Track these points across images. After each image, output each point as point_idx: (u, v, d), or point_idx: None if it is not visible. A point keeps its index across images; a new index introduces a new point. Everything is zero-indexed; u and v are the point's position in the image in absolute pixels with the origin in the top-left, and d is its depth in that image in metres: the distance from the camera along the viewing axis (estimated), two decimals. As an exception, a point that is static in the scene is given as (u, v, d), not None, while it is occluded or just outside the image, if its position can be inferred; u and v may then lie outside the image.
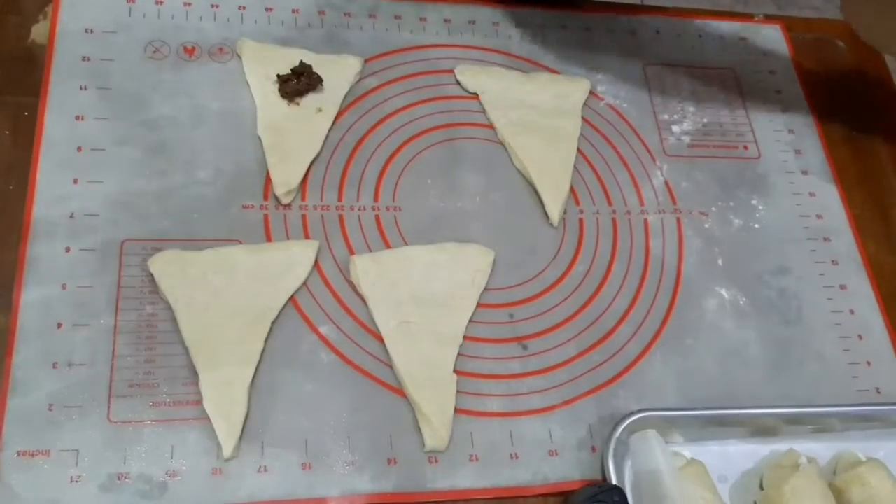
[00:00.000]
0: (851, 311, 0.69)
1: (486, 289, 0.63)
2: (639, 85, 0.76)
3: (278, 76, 0.66)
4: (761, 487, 0.59)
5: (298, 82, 0.66)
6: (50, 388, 0.53)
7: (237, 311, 0.57)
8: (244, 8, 0.71)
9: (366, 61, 0.71)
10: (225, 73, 0.67)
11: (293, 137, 0.65)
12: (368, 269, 0.61)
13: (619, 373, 0.62)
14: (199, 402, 0.54)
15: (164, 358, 0.56)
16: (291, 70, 0.67)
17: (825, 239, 0.72)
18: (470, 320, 0.61)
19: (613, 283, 0.66)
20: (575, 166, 0.70)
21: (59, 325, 0.55)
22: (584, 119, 0.73)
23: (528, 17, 0.77)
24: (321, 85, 0.67)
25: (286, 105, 0.66)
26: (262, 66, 0.67)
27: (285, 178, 0.63)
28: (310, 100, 0.67)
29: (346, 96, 0.69)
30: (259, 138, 0.65)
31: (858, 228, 0.73)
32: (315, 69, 0.67)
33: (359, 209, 0.65)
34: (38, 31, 0.65)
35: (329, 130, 0.67)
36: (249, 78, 0.67)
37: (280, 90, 0.66)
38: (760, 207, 0.72)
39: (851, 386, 0.65)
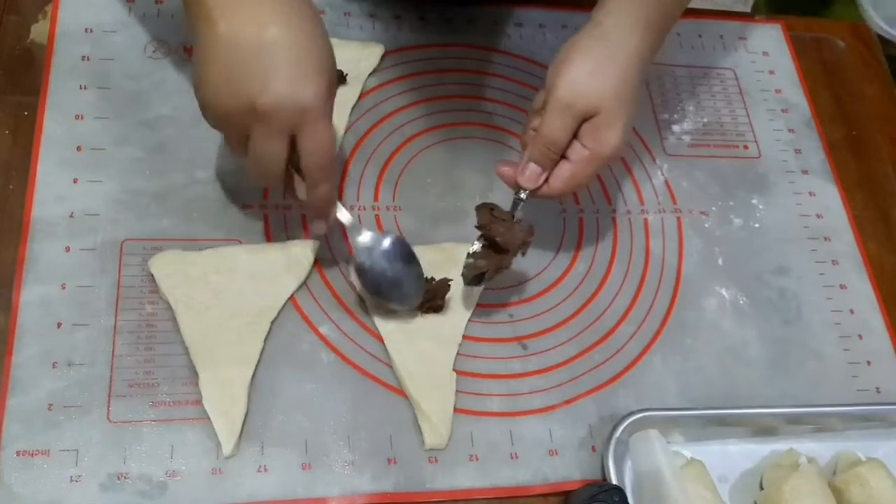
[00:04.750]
0: (851, 311, 0.69)
1: (486, 289, 0.63)
2: (639, 84, 0.76)
3: None
4: (761, 487, 0.59)
5: None
6: (50, 387, 0.53)
7: (237, 311, 0.57)
8: (244, 8, 0.71)
9: (366, 61, 0.71)
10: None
11: None
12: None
13: (619, 372, 0.62)
14: (199, 401, 0.54)
15: (164, 358, 0.56)
16: None
17: (825, 238, 0.72)
18: (470, 320, 0.61)
19: (613, 282, 0.66)
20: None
21: (59, 325, 0.55)
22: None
23: (529, 17, 0.77)
24: (344, 78, 0.68)
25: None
26: None
27: None
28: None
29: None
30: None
31: (858, 228, 0.73)
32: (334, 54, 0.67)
33: (359, 209, 0.65)
34: (37, 31, 0.66)
35: (347, 127, 0.67)
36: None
37: None
38: (761, 207, 0.72)
39: (851, 385, 0.65)
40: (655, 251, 0.68)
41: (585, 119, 0.55)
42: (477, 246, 0.59)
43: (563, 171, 0.57)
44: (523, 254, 0.59)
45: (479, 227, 0.58)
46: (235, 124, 0.51)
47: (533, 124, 0.58)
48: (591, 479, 0.57)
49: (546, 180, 0.58)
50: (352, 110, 0.68)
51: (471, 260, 0.58)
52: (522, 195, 0.59)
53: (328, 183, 0.54)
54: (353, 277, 0.59)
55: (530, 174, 0.58)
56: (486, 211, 0.58)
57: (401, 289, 0.59)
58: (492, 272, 0.58)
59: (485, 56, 0.74)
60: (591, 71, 0.55)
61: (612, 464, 0.56)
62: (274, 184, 0.54)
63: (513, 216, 0.58)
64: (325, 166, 0.53)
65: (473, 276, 0.58)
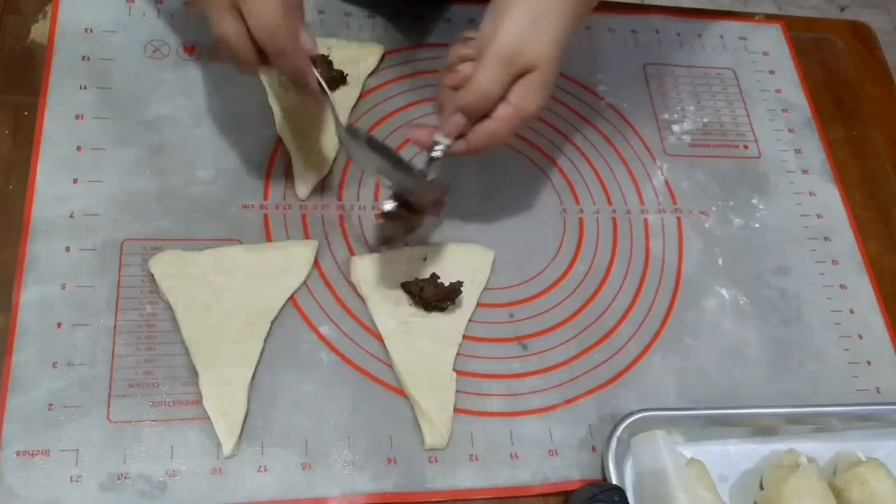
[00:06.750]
0: (851, 311, 0.69)
1: (486, 289, 0.63)
2: (639, 84, 0.76)
3: None
4: (761, 487, 0.59)
5: (319, 72, 0.65)
6: (50, 387, 0.53)
7: (237, 311, 0.57)
8: (244, 7, 0.71)
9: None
10: (225, 73, 0.67)
11: (314, 135, 0.65)
12: (368, 269, 0.61)
13: (619, 372, 0.62)
14: (199, 401, 0.54)
15: (164, 358, 0.56)
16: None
17: (825, 238, 0.72)
18: (470, 320, 0.61)
19: (613, 282, 0.66)
20: (575, 166, 0.71)
21: (59, 325, 0.55)
22: (584, 119, 0.73)
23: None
24: (345, 78, 0.68)
25: (304, 101, 0.66)
26: None
27: (309, 178, 0.64)
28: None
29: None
30: (261, 138, 0.65)
31: (859, 228, 0.73)
32: (334, 55, 0.67)
33: (359, 209, 0.64)
34: (37, 31, 0.65)
35: (347, 127, 0.67)
36: (264, 75, 0.67)
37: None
38: (761, 207, 0.72)
39: (851, 385, 0.65)
40: (655, 251, 0.68)
41: (520, 75, 0.54)
42: (389, 206, 0.57)
43: (485, 128, 0.56)
44: (437, 214, 0.57)
45: (390, 187, 0.57)
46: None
47: (450, 80, 0.56)
48: (591, 479, 0.57)
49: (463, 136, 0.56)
50: (352, 110, 0.68)
51: (381, 221, 0.56)
52: (437, 153, 0.56)
53: (289, 54, 0.52)
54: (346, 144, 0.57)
55: (455, 125, 0.56)
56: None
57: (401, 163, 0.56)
58: (402, 233, 0.57)
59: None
60: (532, 26, 0.54)
61: (612, 464, 0.56)
62: (245, 59, 0.52)
63: (425, 175, 0.56)
64: (271, 32, 0.50)
65: (383, 237, 0.57)
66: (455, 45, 0.57)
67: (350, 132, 0.57)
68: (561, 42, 0.55)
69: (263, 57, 0.52)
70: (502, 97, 0.55)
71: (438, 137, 0.56)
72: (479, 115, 0.56)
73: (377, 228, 0.57)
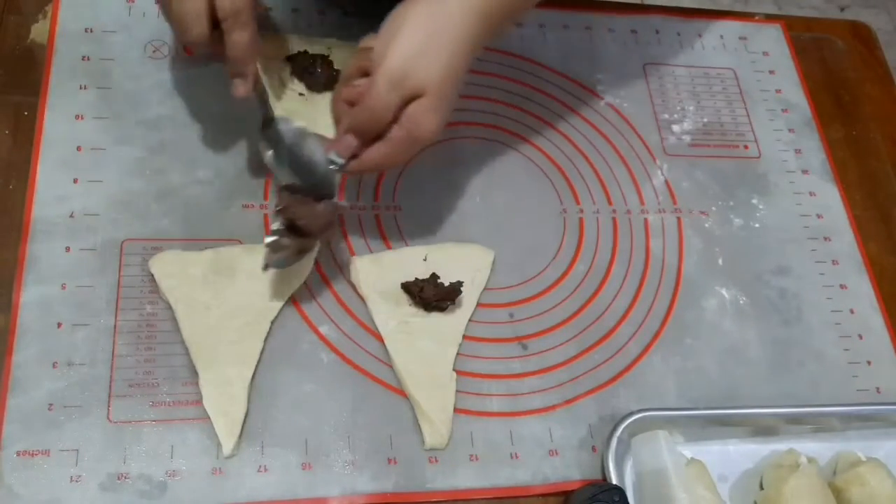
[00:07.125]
0: (852, 311, 0.69)
1: (486, 289, 0.63)
2: (639, 84, 0.76)
3: (293, 61, 0.66)
4: (761, 487, 0.59)
5: (319, 72, 0.65)
6: (50, 387, 0.53)
7: (237, 311, 0.57)
8: (244, 7, 0.71)
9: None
10: (225, 74, 0.67)
11: None
12: (368, 269, 0.61)
13: (619, 372, 0.62)
14: (199, 401, 0.54)
15: (164, 357, 0.56)
16: (304, 52, 0.67)
17: (825, 238, 0.72)
18: (470, 320, 0.61)
19: (613, 282, 0.66)
20: (575, 166, 0.71)
21: (59, 325, 0.55)
22: (584, 119, 0.73)
23: (528, 17, 0.77)
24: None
25: (302, 101, 0.66)
26: (277, 57, 0.67)
27: None
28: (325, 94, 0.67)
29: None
30: (260, 137, 0.65)
31: (858, 228, 0.73)
32: (334, 55, 0.68)
33: (358, 209, 0.64)
34: (38, 31, 0.65)
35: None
36: (263, 74, 0.67)
37: (306, 82, 0.66)
38: (761, 207, 0.72)
39: (851, 385, 0.65)
40: (655, 251, 0.68)
41: (410, 99, 0.53)
42: (275, 227, 0.56)
43: (378, 150, 0.54)
44: (329, 239, 0.56)
45: (279, 211, 0.55)
46: None
47: (345, 94, 0.55)
48: (591, 479, 0.57)
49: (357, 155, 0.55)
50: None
51: (273, 238, 0.55)
52: (331, 168, 0.55)
53: (244, 31, 0.52)
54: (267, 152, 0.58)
55: (347, 145, 0.54)
56: (288, 192, 0.55)
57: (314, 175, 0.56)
58: (293, 256, 0.56)
59: (484, 56, 0.74)
60: (424, 48, 0.52)
61: (612, 464, 0.56)
62: (198, 38, 0.52)
63: (314, 197, 0.55)
64: (235, 7, 0.51)
65: (272, 260, 0.56)
66: (354, 54, 0.56)
67: (270, 134, 0.57)
68: (457, 64, 0.53)
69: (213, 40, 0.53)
70: (396, 118, 0.53)
71: (332, 156, 0.55)
72: (371, 136, 0.54)
73: (265, 252, 0.56)
